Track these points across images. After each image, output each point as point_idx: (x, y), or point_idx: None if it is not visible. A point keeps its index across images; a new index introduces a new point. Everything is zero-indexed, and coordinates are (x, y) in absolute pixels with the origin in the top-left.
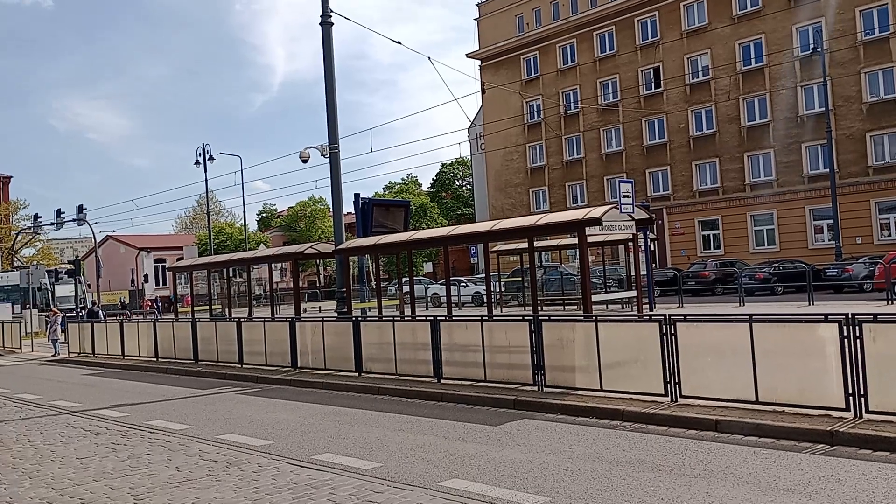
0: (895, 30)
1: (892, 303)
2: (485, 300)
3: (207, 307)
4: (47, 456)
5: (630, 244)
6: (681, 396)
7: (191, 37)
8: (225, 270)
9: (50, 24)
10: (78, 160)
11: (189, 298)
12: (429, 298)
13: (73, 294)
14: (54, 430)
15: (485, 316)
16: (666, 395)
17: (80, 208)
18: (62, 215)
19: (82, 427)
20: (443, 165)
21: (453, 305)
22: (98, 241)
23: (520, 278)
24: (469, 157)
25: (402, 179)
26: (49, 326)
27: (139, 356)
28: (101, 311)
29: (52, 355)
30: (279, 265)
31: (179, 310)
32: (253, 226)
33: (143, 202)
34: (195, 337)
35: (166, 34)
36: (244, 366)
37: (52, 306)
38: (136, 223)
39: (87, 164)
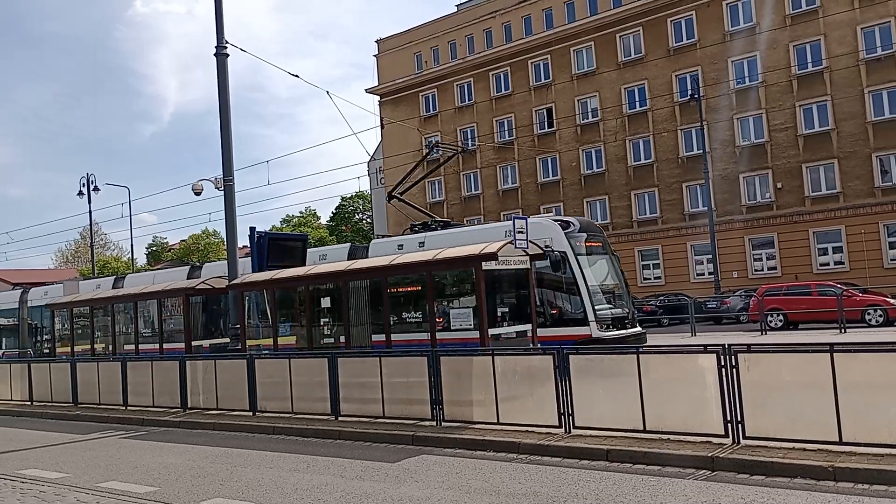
0: (764, 79)
1: (766, 333)
2: None
3: (90, 346)
4: None
5: None
6: (574, 427)
7: (75, 63)
8: (110, 307)
9: None
10: None
11: None
12: None
13: None
14: None
15: (383, 351)
16: (560, 426)
17: None
18: None
19: None
20: (342, 199)
21: None
22: None
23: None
24: (369, 191)
25: (301, 213)
26: None
27: (11, 399)
28: None
29: None
30: (169, 301)
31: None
32: (142, 259)
33: (20, 234)
34: (74, 378)
35: (48, 60)
36: (129, 408)
37: None
38: (10, 257)
39: None
